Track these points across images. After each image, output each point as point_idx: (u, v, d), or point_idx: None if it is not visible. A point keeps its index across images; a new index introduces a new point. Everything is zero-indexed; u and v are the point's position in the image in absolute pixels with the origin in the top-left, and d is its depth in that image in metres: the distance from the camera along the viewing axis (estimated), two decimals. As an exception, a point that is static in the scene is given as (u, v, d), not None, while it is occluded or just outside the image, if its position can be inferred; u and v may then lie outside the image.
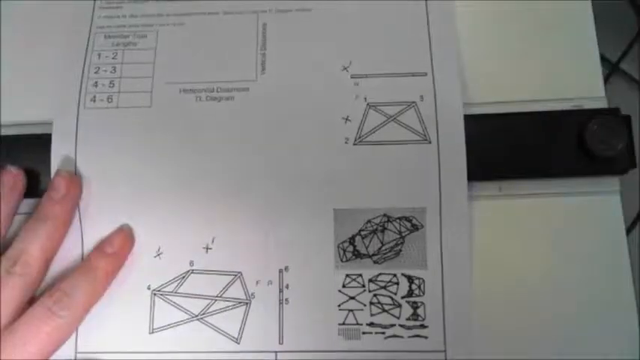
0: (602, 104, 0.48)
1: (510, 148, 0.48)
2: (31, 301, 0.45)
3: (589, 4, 0.50)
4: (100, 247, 0.46)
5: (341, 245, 0.46)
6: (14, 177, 0.47)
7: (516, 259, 0.47)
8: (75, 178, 0.47)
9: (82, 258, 0.47)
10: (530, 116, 0.48)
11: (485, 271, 0.46)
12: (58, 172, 0.47)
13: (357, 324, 0.45)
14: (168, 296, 0.46)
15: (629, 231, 0.56)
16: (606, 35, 0.51)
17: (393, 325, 0.45)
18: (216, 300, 0.46)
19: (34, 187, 0.48)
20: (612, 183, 0.48)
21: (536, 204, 0.48)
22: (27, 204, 0.48)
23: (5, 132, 0.50)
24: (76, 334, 0.46)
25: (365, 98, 0.48)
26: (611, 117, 0.47)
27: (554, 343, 0.45)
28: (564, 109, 0.48)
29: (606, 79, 0.58)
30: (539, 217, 0.47)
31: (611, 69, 0.60)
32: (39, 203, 0.46)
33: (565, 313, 0.46)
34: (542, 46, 0.50)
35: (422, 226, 0.46)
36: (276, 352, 0.45)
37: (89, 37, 0.51)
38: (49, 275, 0.46)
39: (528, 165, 0.47)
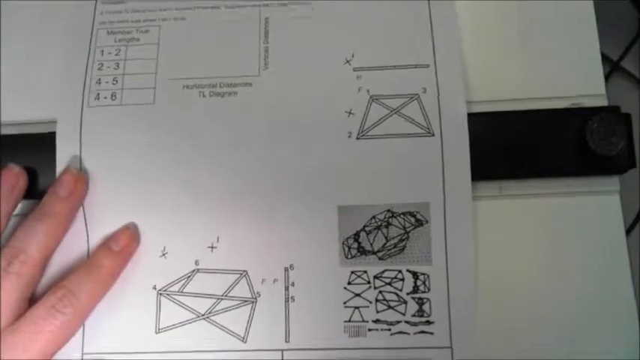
0: (603, 102, 0.48)
1: (511, 147, 0.47)
2: (32, 300, 0.45)
3: (590, 2, 0.50)
4: (105, 244, 0.46)
5: (346, 242, 0.46)
6: (16, 176, 0.47)
7: (516, 259, 0.47)
8: (82, 177, 0.47)
9: (88, 256, 0.47)
10: (530, 115, 0.48)
11: (486, 272, 0.46)
12: (66, 169, 0.47)
13: (363, 321, 0.45)
14: (174, 296, 0.46)
15: (629, 231, 0.56)
16: (607, 33, 0.50)
17: (398, 322, 0.45)
18: (222, 299, 0.46)
19: (35, 187, 0.48)
20: (612, 183, 0.48)
21: (536, 204, 0.48)
22: (25, 204, 0.48)
23: (7, 131, 0.50)
24: (83, 335, 0.46)
25: (368, 91, 0.48)
26: (611, 115, 0.47)
27: (553, 343, 0.46)
28: (565, 107, 0.48)
29: (607, 78, 0.57)
30: (539, 217, 0.47)
31: (611, 67, 0.60)
32: (42, 199, 0.46)
33: (565, 313, 0.46)
34: (543, 44, 0.50)
35: (426, 222, 0.46)
36: (282, 350, 0.45)
37: (92, 34, 0.51)
38: (54, 274, 0.47)
39: (528, 165, 0.47)
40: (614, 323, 0.46)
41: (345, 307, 0.45)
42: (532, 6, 0.50)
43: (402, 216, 0.46)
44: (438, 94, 0.47)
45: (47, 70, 0.51)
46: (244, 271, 0.46)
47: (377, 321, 0.45)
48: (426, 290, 0.45)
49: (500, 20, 0.50)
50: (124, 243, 0.46)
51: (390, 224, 0.46)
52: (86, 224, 0.47)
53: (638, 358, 0.45)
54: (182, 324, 0.46)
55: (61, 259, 0.47)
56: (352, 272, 0.46)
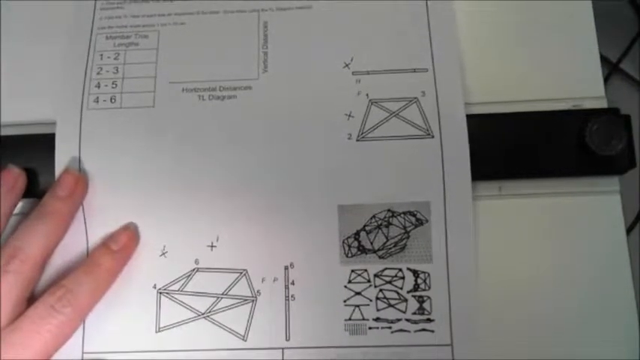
0: (602, 104, 0.48)
1: (510, 148, 0.48)
2: (31, 300, 0.44)
3: (589, 4, 0.50)
4: (104, 243, 0.46)
5: (346, 241, 0.46)
6: (15, 177, 0.47)
7: (516, 259, 0.47)
8: (82, 178, 0.47)
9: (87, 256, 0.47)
10: (530, 116, 0.48)
11: (485, 272, 0.46)
12: (66, 170, 0.47)
13: (364, 319, 0.45)
14: (174, 295, 0.46)
15: (629, 231, 0.56)
16: (606, 35, 0.51)
17: (399, 320, 0.45)
18: (222, 298, 0.46)
19: (34, 187, 0.48)
20: (612, 183, 0.48)
21: (536, 204, 0.48)
22: (25, 204, 0.48)
23: (7, 132, 0.50)
24: (83, 334, 0.46)
25: (367, 95, 0.48)
26: (610, 117, 0.47)
27: (553, 342, 0.45)
28: (564, 108, 0.48)
29: (606, 79, 0.58)
30: (539, 217, 0.47)
31: (611, 69, 0.60)
32: (42, 199, 0.46)
33: (565, 314, 0.46)
34: (542, 46, 0.50)
35: (426, 221, 0.46)
36: (282, 348, 0.45)
37: (91, 38, 0.51)
38: (53, 274, 0.47)
39: (528, 165, 0.47)
40: (614, 323, 0.46)
41: (346, 305, 0.45)
42: (531, 7, 0.50)
43: (402, 215, 0.46)
44: (437, 97, 0.48)
45: (47, 71, 0.51)
46: (244, 269, 0.46)
47: (377, 319, 0.45)
48: (427, 288, 0.45)
49: (499, 22, 0.51)
50: (123, 242, 0.46)
51: (391, 224, 0.46)
52: (85, 224, 0.47)
53: (638, 358, 0.45)
54: (182, 323, 0.46)
55: (60, 259, 0.47)
56: (352, 271, 0.46)
